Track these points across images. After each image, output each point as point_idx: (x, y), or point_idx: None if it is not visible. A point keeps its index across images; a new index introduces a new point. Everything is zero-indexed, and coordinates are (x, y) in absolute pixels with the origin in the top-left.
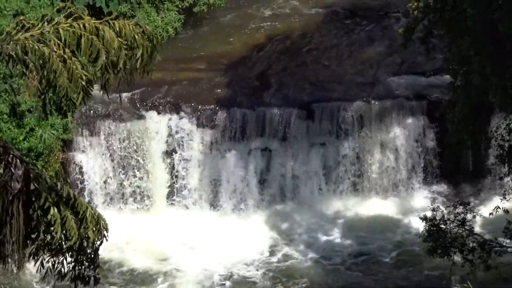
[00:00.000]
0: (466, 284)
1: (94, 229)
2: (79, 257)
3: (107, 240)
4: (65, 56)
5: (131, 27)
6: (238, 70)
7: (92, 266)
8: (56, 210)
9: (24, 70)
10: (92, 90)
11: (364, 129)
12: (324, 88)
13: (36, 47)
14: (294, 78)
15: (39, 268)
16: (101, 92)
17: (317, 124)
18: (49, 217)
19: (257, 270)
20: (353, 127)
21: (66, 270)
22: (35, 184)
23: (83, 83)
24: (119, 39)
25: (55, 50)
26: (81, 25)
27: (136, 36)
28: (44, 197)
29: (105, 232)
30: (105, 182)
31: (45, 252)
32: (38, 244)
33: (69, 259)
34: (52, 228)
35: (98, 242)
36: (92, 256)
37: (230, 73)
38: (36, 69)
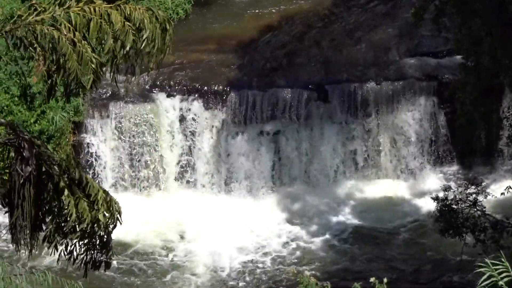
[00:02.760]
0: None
1: (105, 212)
2: (92, 240)
3: (120, 223)
4: (75, 39)
5: (141, 11)
6: (248, 51)
7: (104, 250)
8: (69, 192)
9: (34, 54)
10: (103, 74)
11: (376, 110)
12: (336, 69)
13: (46, 30)
14: (305, 59)
15: (53, 251)
16: (110, 76)
17: (329, 106)
18: (63, 198)
19: (268, 252)
20: (365, 108)
21: (78, 253)
22: (47, 167)
23: (93, 66)
24: (128, 23)
25: (65, 33)
26: (92, 9)
27: (146, 20)
28: (56, 180)
29: (118, 215)
30: (116, 164)
31: (60, 235)
32: (51, 227)
33: (81, 242)
34: (65, 211)
35: (112, 226)
36: (105, 240)
37: (240, 54)
38: (45, 53)
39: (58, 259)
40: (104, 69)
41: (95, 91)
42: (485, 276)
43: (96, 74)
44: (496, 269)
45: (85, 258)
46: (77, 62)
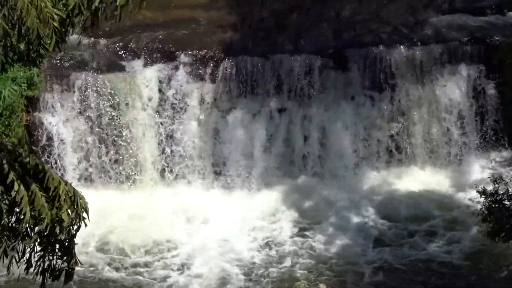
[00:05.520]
0: None
1: (69, 210)
2: (51, 245)
3: (86, 224)
4: None
5: None
6: (247, 7)
7: (66, 258)
8: (22, 185)
9: None
10: (67, 34)
11: (407, 82)
12: (357, 30)
13: None
14: (319, 18)
15: (2, 257)
16: (77, 37)
17: (349, 76)
18: (13, 193)
19: (273, 259)
20: (394, 79)
21: (34, 260)
22: None
23: (55, 24)
24: None
25: None
26: None
27: None
28: (6, 170)
29: (84, 214)
30: (80, 149)
31: (10, 239)
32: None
33: (38, 247)
34: (17, 209)
35: (75, 227)
36: (67, 244)
37: (237, 11)
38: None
39: (9, 268)
40: (68, 28)
41: (56, 57)
42: None
43: (59, 34)
44: None
45: (41, 266)
46: (37, 18)
